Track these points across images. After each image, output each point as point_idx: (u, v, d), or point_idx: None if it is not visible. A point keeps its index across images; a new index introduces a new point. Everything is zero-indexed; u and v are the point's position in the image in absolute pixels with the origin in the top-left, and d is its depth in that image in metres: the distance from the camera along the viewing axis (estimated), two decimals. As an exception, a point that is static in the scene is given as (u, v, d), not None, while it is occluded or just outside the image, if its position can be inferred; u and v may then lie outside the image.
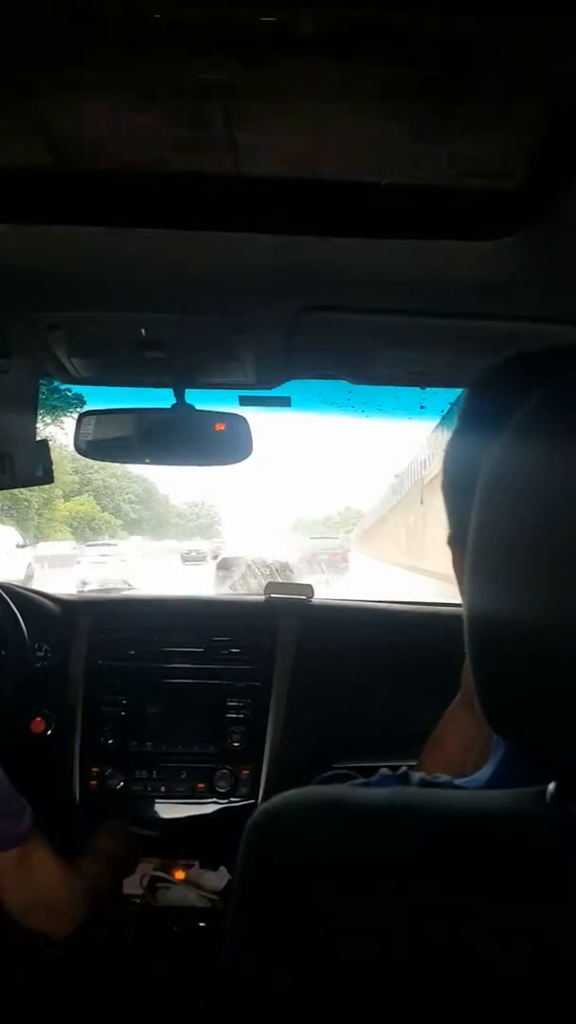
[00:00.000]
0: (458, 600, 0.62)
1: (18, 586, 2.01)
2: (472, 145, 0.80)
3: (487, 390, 0.60)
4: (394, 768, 0.61)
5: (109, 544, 26.69)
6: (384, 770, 0.61)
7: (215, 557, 17.62)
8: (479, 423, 0.58)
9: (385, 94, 0.71)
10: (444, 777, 0.57)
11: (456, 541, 0.60)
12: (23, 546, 19.32)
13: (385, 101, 0.72)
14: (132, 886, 1.75)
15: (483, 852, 0.43)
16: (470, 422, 0.60)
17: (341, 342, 1.09)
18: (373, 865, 0.44)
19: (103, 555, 21.46)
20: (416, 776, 0.59)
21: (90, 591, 2.57)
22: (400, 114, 0.74)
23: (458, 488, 0.60)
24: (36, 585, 1.83)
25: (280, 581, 2.32)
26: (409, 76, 0.68)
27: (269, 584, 2.25)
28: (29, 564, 17.90)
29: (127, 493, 58.88)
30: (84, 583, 10.95)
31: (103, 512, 44.85)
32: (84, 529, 39.92)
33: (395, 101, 0.72)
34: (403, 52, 0.64)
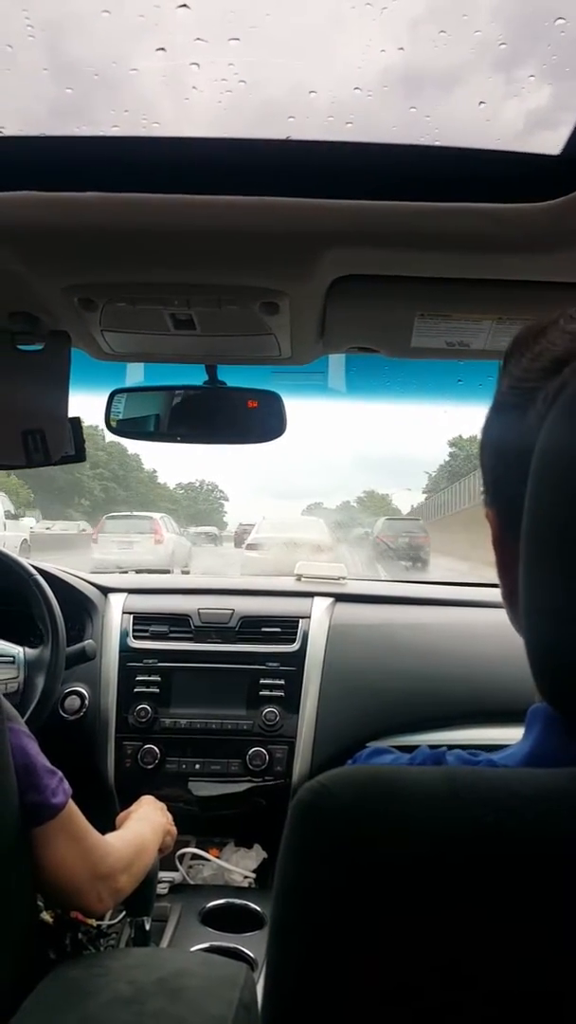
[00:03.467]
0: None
1: (52, 568, 2.03)
2: (517, 105, 0.77)
3: (530, 351, 0.58)
4: (433, 747, 0.60)
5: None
6: (423, 747, 0.60)
7: (241, 543, 16.89)
8: (523, 388, 0.56)
9: None
10: (482, 755, 0.56)
11: (495, 502, 0.60)
12: (15, 516, 17.10)
13: None
14: (168, 864, 1.77)
15: (546, 831, 0.42)
16: (514, 386, 0.58)
17: (378, 314, 1.07)
18: (431, 847, 0.42)
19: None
20: (454, 753, 0.58)
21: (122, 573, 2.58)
22: None
23: (499, 454, 0.59)
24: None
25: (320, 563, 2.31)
26: None
27: (300, 564, 2.25)
28: (24, 540, 14.99)
29: (98, 468, 44.01)
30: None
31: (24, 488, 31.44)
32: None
33: None
34: None
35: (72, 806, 1.07)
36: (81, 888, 1.10)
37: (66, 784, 1.07)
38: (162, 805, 1.50)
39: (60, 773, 1.07)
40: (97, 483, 42.94)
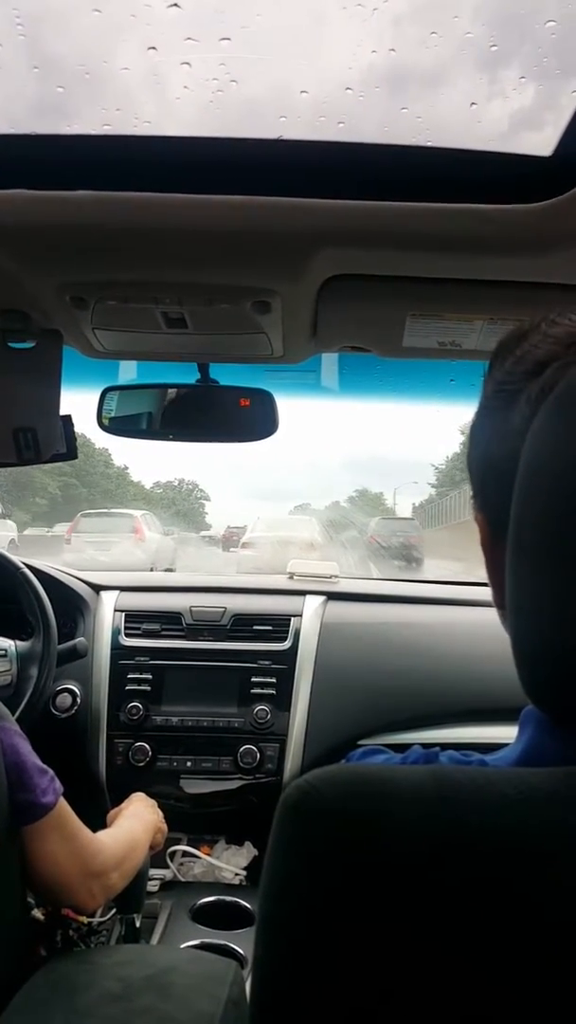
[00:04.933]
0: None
1: (43, 565, 2.03)
2: (509, 106, 0.78)
3: (512, 355, 0.58)
4: (426, 746, 0.61)
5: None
6: (416, 747, 0.60)
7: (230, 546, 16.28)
8: (507, 391, 0.57)
9: None
10: (474, 754, 0.57)
11: (483, 506, 0.61)
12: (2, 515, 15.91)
13: None
14: (159, 861, 1.77)
15: (531, 831, 0.42)
16: (498, 390, 0.59)
17: (369, 313, 1.07)
18: (415, 846, 0.42)
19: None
20: (447, 753, 0.58)
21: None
22: None
23: (485, 457, 0.60)
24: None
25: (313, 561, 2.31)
26: None
27: (292, 563, 2.25)
28: (12, 540, 14.59)
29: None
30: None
31: None
32: None
33: None
34: None
35: (63, 805, 1.07)
36: (72, 885, 1.10)
37: (57, 783, 1.07)
38: (153, 802, 1.50)
39: (51, 772, 1.07)
40: (54, 480, 36.71)
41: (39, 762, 1.06)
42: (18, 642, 1.72)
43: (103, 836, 1.20)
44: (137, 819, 1.39)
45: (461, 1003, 0.40)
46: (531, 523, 0.48)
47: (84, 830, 1.12)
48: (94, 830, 1.17)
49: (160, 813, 1.49)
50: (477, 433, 0.61)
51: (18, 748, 1.03)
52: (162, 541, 15.39)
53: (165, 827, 1.47)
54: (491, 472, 0.59)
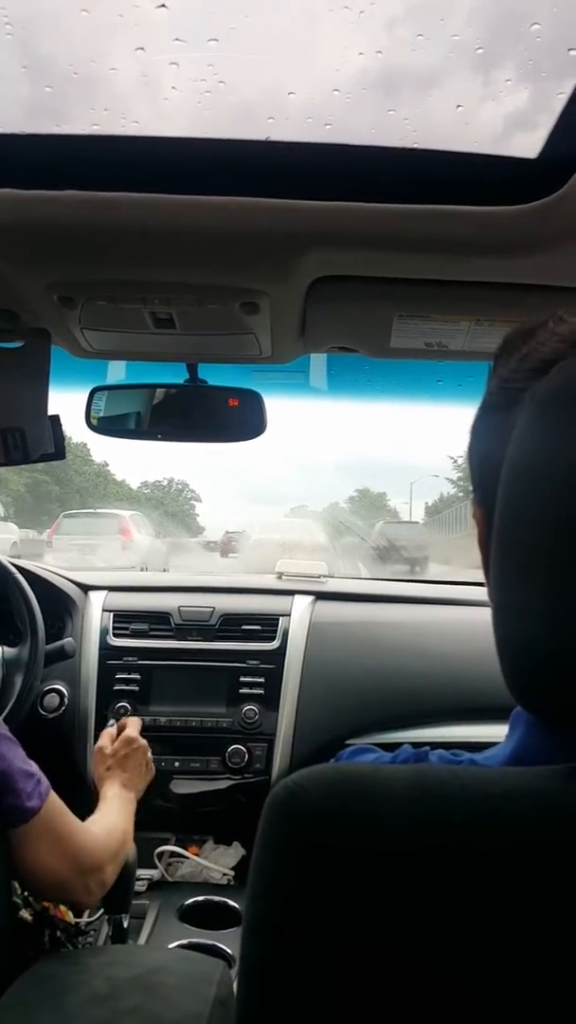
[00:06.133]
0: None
1: (32, 565, 2.02)
2: (496, 109, 0.78)
3: (518, 351, 0.58)
4: (415, 745, 0.61)
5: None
6: (406, 746, 0.61)
7: (228, 552, 15.42)
8: (510, 389, 0.57)
9: None
10: (464, 754, 0.57)
11: (482, 503, 0.60)
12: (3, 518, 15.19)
13: None
14: (147, 862, 1.77)
15: (517, 829, 0.42)
16: (502, 387, 0.59)
17: (357, 314, 1.07)
18: (401, 845, 0.43)
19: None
20: (436, 753, 0.59)
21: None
22: None
23: (485, 454, 0.60)
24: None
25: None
26: None
27: (281, 563, 2.25)
28: (14, 543, 13.51)
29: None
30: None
31: None
32: None
33: None
34: None
35: (51, 806, 1.07)
36: (68, 883, 1.10)
37: (44, 785, 1.06)
38: (141, 752, 1.50)
39: (38, 775, 1.06)
40: (20, 476, 31.02)
41: (26, 765, 1.05)
42: (5, 648, 1.72)
43: (95, 828, 1.20)
44: (123, 802, 1.38)
45: (448, 1001, 0.41)
46: (516, 521, 0.48)
47: (77, 829, 1.12)
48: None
49: (149, 755, 1.51)
50: (479, 429, 0.61)
51: (3, 752, 1.03)
52: (152, 544, 14.66)
53: (153, 768, 1.52)
54: (491, 469, 0.59)
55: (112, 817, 1.32)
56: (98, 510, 17.91)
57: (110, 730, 1.53)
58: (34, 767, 1.07)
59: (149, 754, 1.52)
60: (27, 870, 1.06)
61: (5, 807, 1.01)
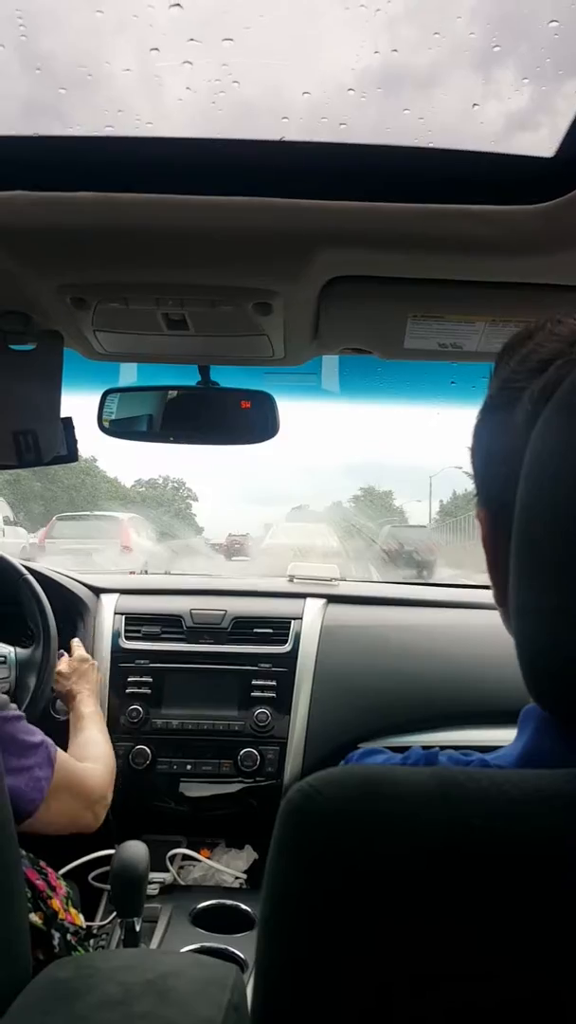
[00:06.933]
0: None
1: (43, 568, 2.02)
2: (510, 107, 0.78)
3: (518, 353, 0.59)
4: (425, 747, 0.60)
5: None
6: (416, 747, 0.60)
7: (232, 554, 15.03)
8: (511, 389, 0.57)
9: None
10: (475, 754, 0.56)
11: (486, 503, 0.61)
12: (13, 522, 14.35)
13: None
14: (159, 865, 1.76)
15: (536, 832, 0.42)
16: (503, 387, 0.59)
17: (371, 315, 1.06)
18: (419, 848, 0.42)
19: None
20: (446, 753, 0.58)
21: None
22: None
23: (488, 454, 0.60)
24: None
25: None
26: None
27: (292, 565, 2.25)
28: (23, 547, 12.26)
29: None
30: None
31: None
32: None
33: None
34: None
35: (60, 766, 1.19)
36: (79, 819, 1.29)
37: (50, 751, 1.19)
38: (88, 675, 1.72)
39: (44, 742, 1.18)
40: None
41: (29, 737, 1.16)
42: (18, 649, 1.72)
43: (95, 764, 1.38)
44: (100, 719, 1.62)
45: (464, 1006, 0.40)
46: (536, 522, 0.47)
47: (84, 775, 1.29)
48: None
49: (98, 672, 1.78)
50: (481, 430, 0.62)
51: (6, 732, 1.13)
52: (154, 549, 13.68)
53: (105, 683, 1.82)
54: (493, 468, 0.59)
55: (101, 745, 1.51)
56: (95, 512, 17.51)
57: (64, 657, 1.75)
58: (37, 735, 1.18)
59: (98, 672, 1.77)
60: (45, 823, 1.18)
61: (17, 789, 1.11)
